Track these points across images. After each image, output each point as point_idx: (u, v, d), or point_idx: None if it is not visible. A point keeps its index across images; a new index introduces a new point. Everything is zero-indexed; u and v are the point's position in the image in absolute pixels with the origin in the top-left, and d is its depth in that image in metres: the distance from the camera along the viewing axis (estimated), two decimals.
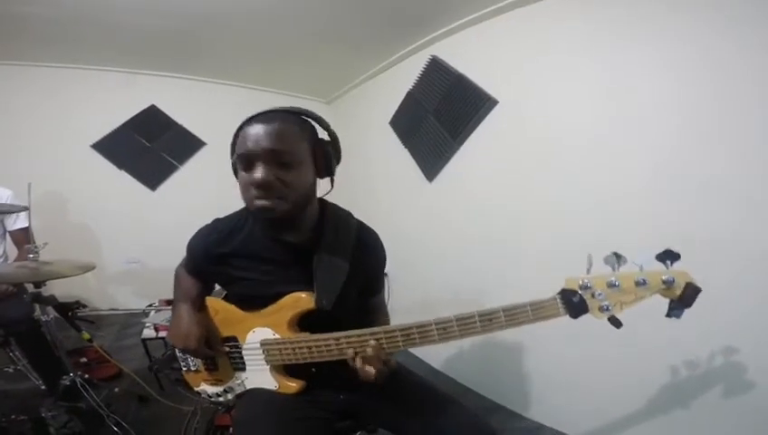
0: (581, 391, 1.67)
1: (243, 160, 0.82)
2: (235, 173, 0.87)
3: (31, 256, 1.56)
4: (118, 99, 3.25)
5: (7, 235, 1.96)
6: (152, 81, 3.33)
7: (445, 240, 2.36)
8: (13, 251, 1.98)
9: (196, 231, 0.99)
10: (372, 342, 0.81)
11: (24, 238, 1.90)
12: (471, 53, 2.13)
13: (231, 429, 1.24)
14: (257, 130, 0.81)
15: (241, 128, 0.85)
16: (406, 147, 2.60)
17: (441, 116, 2.29)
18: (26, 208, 1.68)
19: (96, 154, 3.22)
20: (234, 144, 0.87)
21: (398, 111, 2.70)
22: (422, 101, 2.45)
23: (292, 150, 0.81)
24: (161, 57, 3.03)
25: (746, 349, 1.20)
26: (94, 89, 3.17)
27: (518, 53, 1.88)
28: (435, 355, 2.45)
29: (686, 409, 1.35)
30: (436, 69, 2.33)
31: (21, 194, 1.77)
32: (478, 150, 2.10)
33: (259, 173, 0.79)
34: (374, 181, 3.06)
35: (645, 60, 1.41)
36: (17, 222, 1.91)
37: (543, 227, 1.78)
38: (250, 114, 0.85)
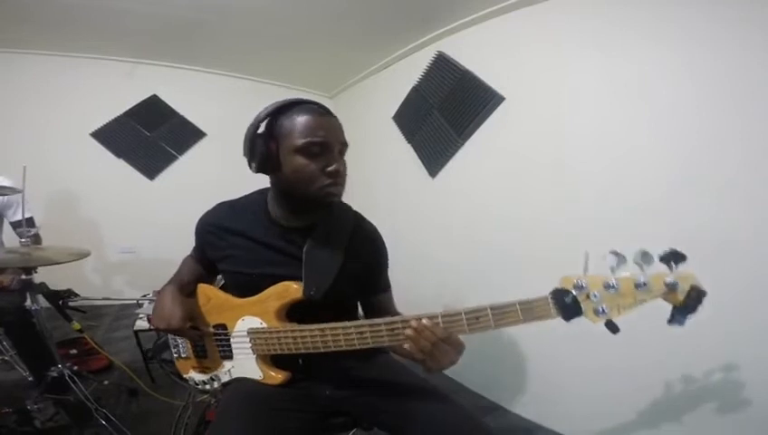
0: (580, 391, 1.64)
1: (312, 148, 0.82)
2: (263, 157, 0.83)
3: (23, 239, 1.52)
4: (119, 88, 3.21)
5: (4, 225, 1.92)
6: (154, 70, 3.30)
7: (446, 238, 2.32)
8: (11, 243, 1.93)
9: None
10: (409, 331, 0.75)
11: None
12: (479, 49, 2.09)
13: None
14: (325, 121, 0.83)
15: (276, 113, 0.84)
16: (409, 142, 2.57)
17: (446, 112, 2.25)
18: (20, 191, 1.63)
19: (95, 142, 3.18)
20: (270, 131, 0.85)
21: (402, 107, 2.66)
22: (427, 96, 2.40)
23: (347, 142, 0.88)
24: (164, 47, 2.99)
25: (762, 354, 1.16)
26: (96, 78, 3.13)
27: (527, 50, 1.84)
28: None
29: (690, 415, 1.32)
30: (443, 65, 2.28)
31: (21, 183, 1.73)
32: (483, 147, 2.06)
33: (338, 164, 0.83)
34: (375, 176, 3.02)
35: (659, 60, 1.38)
36: (17, 213, 1.87)
37: (550, 227, 1.73)
38: (270, 103, 0.86)
